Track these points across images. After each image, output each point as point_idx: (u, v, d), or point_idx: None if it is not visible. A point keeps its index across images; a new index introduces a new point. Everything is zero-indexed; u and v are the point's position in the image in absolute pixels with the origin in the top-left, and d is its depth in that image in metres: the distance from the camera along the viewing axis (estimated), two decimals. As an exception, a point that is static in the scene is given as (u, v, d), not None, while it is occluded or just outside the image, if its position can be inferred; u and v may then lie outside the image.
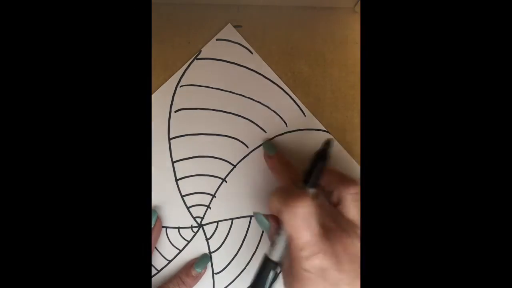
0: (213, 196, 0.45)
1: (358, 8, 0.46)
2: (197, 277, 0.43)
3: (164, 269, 0.44)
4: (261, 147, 0.45)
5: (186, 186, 0.44)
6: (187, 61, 0.45)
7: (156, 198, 0.44)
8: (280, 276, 0.34)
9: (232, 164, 0.45)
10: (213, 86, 0.45)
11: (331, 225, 0.33)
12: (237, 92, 0.45)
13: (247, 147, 0.45)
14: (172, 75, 0.45)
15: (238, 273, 0.44)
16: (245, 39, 0.46)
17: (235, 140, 0.45)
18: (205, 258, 0.44)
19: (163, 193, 0.44)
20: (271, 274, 0.33)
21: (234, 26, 0.46)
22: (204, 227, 0.45)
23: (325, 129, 0.46)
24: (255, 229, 0.45)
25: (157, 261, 0.44)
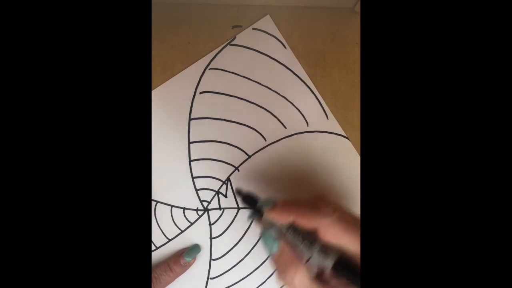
0: (224, 182, 0.45)
1: (358, 8, 0.45)
2: (186, 266, 0.43)
3: (162, 247, 0.44)
4: (278, 142, 0.45)
5: (198, 168, 0.45)
6: (190, 62, 0.45)
7: (168, 176, 0.44)
8: None
9: (247, 154, 0.45)
10: (242, 74, 0.45)
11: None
12: (264, 84, 0.45)
13: (265, 140, 0.45)
14: (173, 74, 0.45)
15: (235, 263, 0.44)
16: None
17: (255, 131, 0.45)
18: (196, 248, 0.44)
19: (175, 171, 0.44)
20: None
21: (234, 26, 0.45)
22: (209, 211, 0.45)
23: (345, 135, 0.45)
24: (259, 223, 0.44)
25: (157, 238, 0.44)
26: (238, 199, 0.44)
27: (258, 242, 0.44)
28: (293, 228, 0.33)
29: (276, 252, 0.34)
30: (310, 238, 0.32)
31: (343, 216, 0.31)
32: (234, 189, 0.45)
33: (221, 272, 0.44)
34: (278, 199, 0.36)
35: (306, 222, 0.32)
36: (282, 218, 0.33)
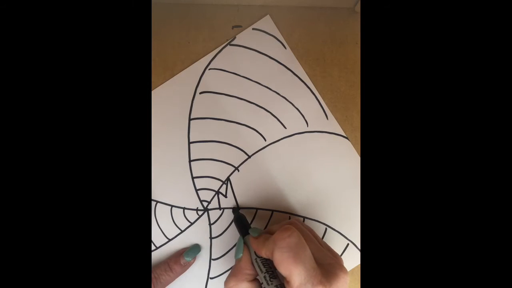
0: (223, 182, 0.45)
1: (358, 8, 0.45)
2: (186, 266, 0.43)
3: (162, 247, 0.44)
4: (278, 142, 0.45)
5: (198, 168, 0.45)
6: (190, 62, 0.45)
7: (168, 176, 0.44)
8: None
9: (247, 155, 0.45)
10: (241, 74, 0.45)
11: (324, 257, 0.33)
12: (264, 84, 0.45)
13: (265, 140, 0.45)
14: (173, 74, 0.45)
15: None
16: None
17: (254, 132, 0.45)
18: (196, 248, 0.44)
19: (174, 171, 0.44)
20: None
21: (234, 26, 0.45)
22: (209, 211, 0.45)
23: (345, 135, 0.45)
24: (259, 222, 0.44)
25: (157, 238, 0.44)
26: (233, 216, 0.44)
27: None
28: (264, 258, 0.34)
29: (239, 259, 0.36)
30: (273, 272, 0.33)
31: (292, 248, 0.31)
32: (232, 205, 0.45)
33: (221, 272, 0.44)
34: (264, 231, 0.37)
35: (267, 255, 0.33)
36: (257, 251, 0.35)
